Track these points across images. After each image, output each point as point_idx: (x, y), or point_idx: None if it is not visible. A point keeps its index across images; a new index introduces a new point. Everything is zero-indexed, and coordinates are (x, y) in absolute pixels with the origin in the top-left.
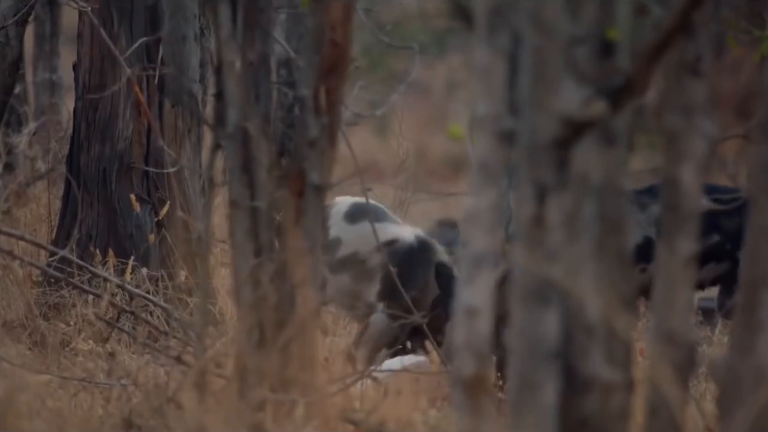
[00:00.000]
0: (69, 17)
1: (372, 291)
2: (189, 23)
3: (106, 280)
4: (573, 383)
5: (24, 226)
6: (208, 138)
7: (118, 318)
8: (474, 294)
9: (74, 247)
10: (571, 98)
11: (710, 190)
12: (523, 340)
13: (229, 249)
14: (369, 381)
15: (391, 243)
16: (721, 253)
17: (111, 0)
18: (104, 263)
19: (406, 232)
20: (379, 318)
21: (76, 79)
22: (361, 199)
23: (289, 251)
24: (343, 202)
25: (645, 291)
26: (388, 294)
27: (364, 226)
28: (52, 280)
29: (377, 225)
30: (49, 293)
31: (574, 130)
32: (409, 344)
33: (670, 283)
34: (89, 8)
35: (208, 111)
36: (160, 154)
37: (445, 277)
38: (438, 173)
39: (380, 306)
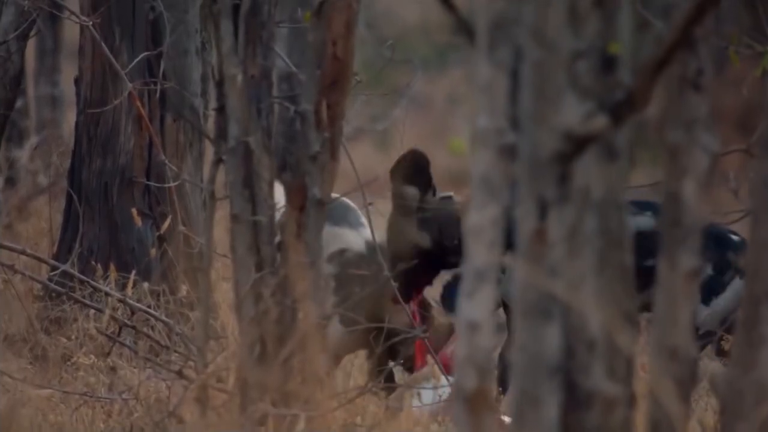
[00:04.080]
0: (70, 32)
1: (327, 301)
2: (190, 37)
3: (107, 294)
4: (574, 398)
5: (25, 241)
6: (209, 152)
7: (120, 332)
8: (475, 308)
9: (75, 261)
10: (573, 113)
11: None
12: (525, 355)
13: (230, 263)
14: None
15: (342, 252)
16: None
17: (112, 14)
18: (105, 277)
19: (358, 239)
20: (334, 329)
21: (77, 94)
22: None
23: (291, 265)
24: None
25: None
26: (341, 304)
27: (325, 231)
28: (54, 294)
29: (333, 230)
30: (51, 307)
31: (576, 144)
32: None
33: (671, 298)
34: (91, 23)
35: (210, 125)
36: (162, 169)
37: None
38: (439, 187)
39: (335, 318)
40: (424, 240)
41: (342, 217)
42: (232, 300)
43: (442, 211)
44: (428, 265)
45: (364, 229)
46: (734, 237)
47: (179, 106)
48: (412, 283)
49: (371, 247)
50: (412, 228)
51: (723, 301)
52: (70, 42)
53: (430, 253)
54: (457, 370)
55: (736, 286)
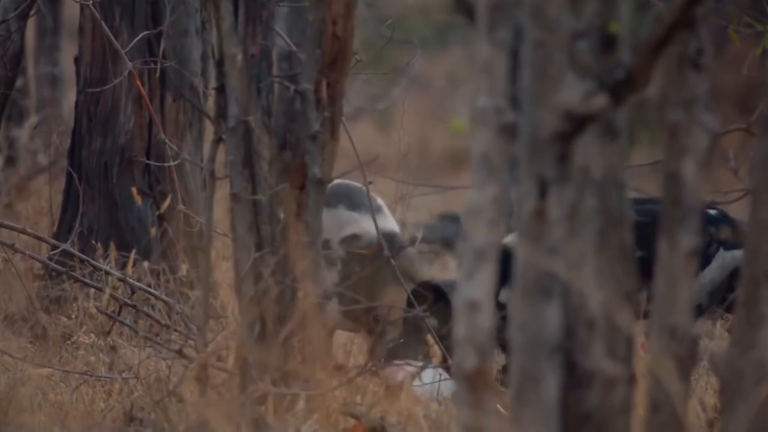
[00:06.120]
0: (70, 11)
1: (329, 279)
2: (190, 17)
3: (107, 273)
4: (574, 377)
5: (25, 220)
6: (209, 131)
7: (120, 311)
8: (475, 288)
9: (75, 240)
10: (573, 92)
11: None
12: (525, 334)
13: (230, 242)
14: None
15: (354, 238)
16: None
17: None
18: (105, 257)
19: (372, 226)
20: (331, 310)
21: (77, 73)
22: (345, 182)
23: (291, 245)
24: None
25: None
26: (343, 288)
27: (339, 214)
28: (54, 273)
29: (350, 214)
30: (51, 286)
31: (576, 124)
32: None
33: (671, 278)
34: (90, 2)
35: (210, 104)
36: (162, 148)
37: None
38: (439, 167)
39: (335, 299)
40: None
41: (360, 202)
42: (232, 279)
43: None
44: None
45: (382, 215)
46: (711, 212)
47: (179, 86)
48: None
49: (386, 235)
50: None
51: (709, 273)
52: (70, 21)
53: None
54: (457, 350)
55: (720, 258)
